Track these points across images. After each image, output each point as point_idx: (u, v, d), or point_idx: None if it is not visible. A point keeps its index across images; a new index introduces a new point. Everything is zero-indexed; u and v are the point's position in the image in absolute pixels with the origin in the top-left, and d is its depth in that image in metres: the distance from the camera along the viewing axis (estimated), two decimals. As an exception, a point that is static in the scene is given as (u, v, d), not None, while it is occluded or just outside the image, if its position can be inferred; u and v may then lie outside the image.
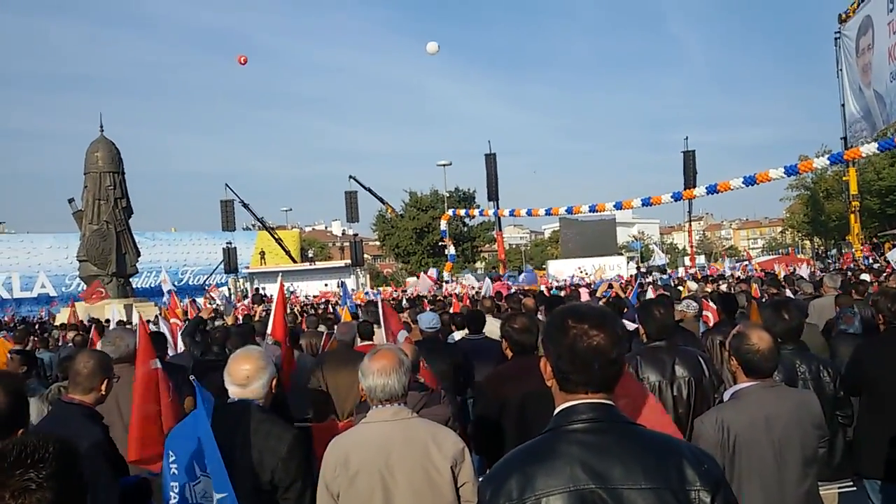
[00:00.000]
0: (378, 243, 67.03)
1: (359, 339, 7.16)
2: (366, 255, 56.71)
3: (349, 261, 46.02)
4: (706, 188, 33.44)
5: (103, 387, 3.57)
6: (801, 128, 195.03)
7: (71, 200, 29.06)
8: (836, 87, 36.73)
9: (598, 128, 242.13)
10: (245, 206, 47.23)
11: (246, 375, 3.18)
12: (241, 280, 43.27)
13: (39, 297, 45.05)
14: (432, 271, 32.86)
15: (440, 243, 48.24)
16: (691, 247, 43.41)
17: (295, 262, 50.48)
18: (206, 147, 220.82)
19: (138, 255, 27.38)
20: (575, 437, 1.76)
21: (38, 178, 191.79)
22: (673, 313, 4.55)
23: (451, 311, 10.67)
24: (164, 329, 9.93)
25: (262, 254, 51.11)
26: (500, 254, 47.96)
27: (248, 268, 47.37)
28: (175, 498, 2.98)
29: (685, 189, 35.27)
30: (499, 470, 1.80)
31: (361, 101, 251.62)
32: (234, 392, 3.20)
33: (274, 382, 3.27)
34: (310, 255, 57.32)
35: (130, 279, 27.22)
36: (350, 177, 45.79)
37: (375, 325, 8.28)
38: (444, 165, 47.59)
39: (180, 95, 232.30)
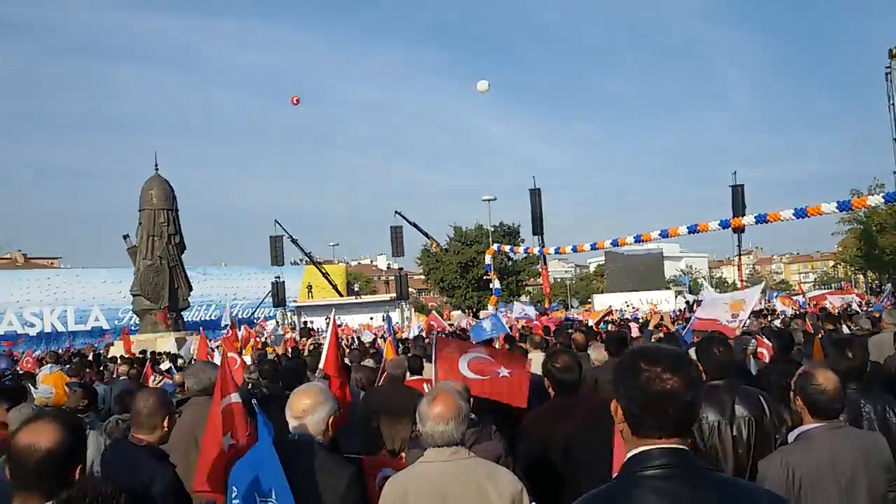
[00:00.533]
0: (423, 277, 67.23)
1: (408, 374, 7.19)
2: (410, 289, 56.87)
3: (394, 294, 46.20)
4: (755, 217, 32.78)
5: (165, 423, 3.65)
6: (851, 161, 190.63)
7: (126, 236, 29.96)
8: (887, 121, 36.13)
9: (643, 164, 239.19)
10: (294, 241, 47.88)
11: (303, 408, 3.24)
12: (288, 313, 43.74)
13: (93, 330, 46.13)
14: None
15: (485, 277, 48.16)
16: (741, 281, 42.53)
17: (341, 295, 50.87)
18: (257, 184, 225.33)
19: (190, 289, 27.98)
20: (650, 484, 1.71)
21: (93, 215, 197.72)
22: (732, 351, 4.47)
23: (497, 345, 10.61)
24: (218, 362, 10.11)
25: (310, 287, 51.64)
26: (545, 288, 47.67)
27: (295, 301, 47.88)
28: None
29: (734, 221, 34.66)
30: None
31: (407, 139, 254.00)
32: (293, 424, 3.25)
33: (331, 420, 3.30)
34: (356, 289, 57.74)
35: (182, 313, 27.79)
36: (396, 212, 46.09)
37: (425, 360, 8.31)
38: (488, 200, 47.60)
39: (233, 134, 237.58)
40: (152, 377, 10.19)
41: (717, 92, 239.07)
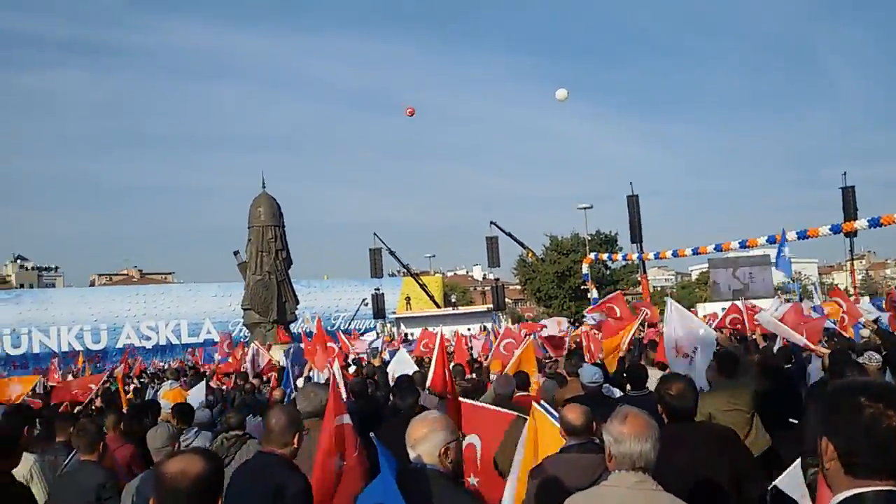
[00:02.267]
0: (519, 287, 66.97)
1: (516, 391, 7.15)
2: (507, 300, 56.84)
3: (491, 305, 46.28)
4: (868, 221, 31.30)
5: (296, 440, 3.78)
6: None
7: (236, 253, 31.28)
8: None
9: (745, 166, 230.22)
10: (392, 253, 48.65)
11: (416, 437, 3.23)
12: (388, 325, 44.52)
13: (205, 342, 48.15)
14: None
15: (582, 287, 47.58)
16: (854, 287, 40.07)
17: (438, 306, 51.28)
18: (356, 198, 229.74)
19: (297, 302, 28.97)
20: None
21: (203, 232, 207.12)
22: (864, 373, 4.26)
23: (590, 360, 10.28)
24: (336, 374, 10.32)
25: (408, 299, 52.36)
26: (644, 297, 46.54)
27: (394, 313, 48.66)
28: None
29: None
30: None
31: (501, 148, 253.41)
32: (410, 454, 3.30)
33: (444, 448, 3.23)
34: (452, 300, 58.10)
35: (289, 325, 28.82)
36: (491, 222, 46.09)
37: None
38: (584, 208, 47.05)
39: (332, 151, 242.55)
40: (276, 391, 10.50)
41: (823, 88, 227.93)
